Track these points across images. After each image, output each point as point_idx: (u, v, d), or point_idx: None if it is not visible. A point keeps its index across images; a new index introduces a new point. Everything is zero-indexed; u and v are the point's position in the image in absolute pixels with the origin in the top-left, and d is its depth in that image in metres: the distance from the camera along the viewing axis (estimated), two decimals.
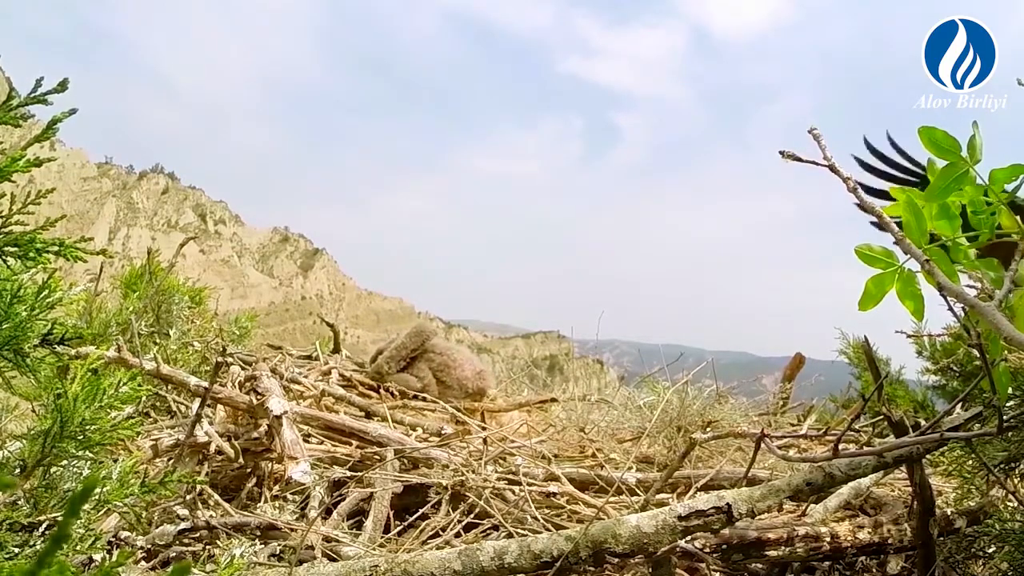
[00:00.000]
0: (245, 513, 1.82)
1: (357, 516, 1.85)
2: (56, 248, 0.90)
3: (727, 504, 1.37)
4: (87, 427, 0.99)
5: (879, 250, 1.35)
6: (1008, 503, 1.65)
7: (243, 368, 2.83)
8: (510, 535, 1.66)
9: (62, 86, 0.90)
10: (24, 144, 0.91)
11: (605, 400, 3.13)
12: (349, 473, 1.99)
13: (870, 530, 1.65)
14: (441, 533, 1.75)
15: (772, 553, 1.56)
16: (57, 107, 0.98)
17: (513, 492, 1.88)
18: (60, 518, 1.00)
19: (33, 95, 0.88)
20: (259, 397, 2.28)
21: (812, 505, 1.74)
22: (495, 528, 1.77)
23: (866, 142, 2.36)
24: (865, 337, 1.56)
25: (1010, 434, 1.45)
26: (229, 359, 2.65)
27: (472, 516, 1.81)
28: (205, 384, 2.14)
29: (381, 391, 3.08)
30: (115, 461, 1.27)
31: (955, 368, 2.95)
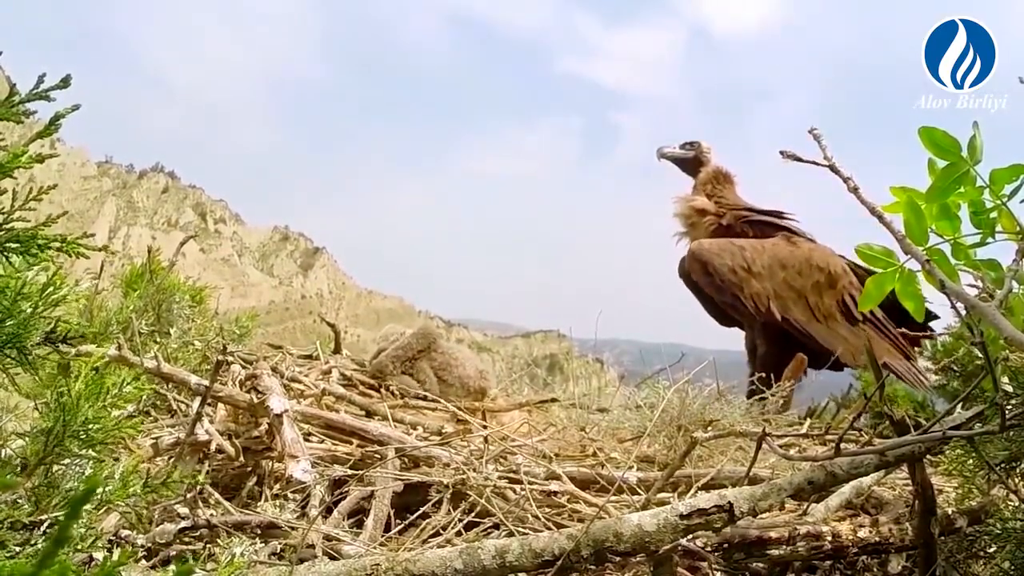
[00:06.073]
0: (246, 512, 1.82)
1: (358, 515, 1.85)
2: (58, 244, 0.90)
3: (729, 503, 1.37)
4: (90, 426, 0.99)
5: (879, 249, 1.35)
6: (1009, 502, 1.65)
7: (244, 367, 2.83)
8: (511, 534, 1.66)
9: (65, 82, 0.90)
10: (27, 140, 0.91)
11: (603, 409, 3.14)
12: (350, 472, 1.99)
13: (871, 529, 1.66)
14: (442, 532, 1.75)
15: (773, 552, 1.56)
16: (58, 105, 0.98)
17: (514, 491, 1.88)
18: (61, 517, 1.00)
19: (36, 91, 0.87)
20: (260, 395, 2.28)
21: (813, 504, 1.74)
22: (496, 527, 1.77)
23: None
24: (867, 337, 1.57)
25: (1011, 433, 1.45)
26: (230, 358, 2.65)
27: (473, 515, 1.80)
28: (206, 383, 2.13)
29: (382, 390, 3.08)
30: (116, 460, 1.26)
31: (955, 368, 2.95)
